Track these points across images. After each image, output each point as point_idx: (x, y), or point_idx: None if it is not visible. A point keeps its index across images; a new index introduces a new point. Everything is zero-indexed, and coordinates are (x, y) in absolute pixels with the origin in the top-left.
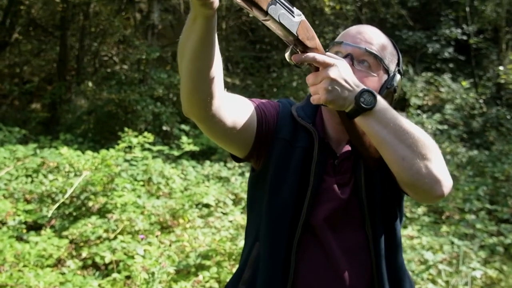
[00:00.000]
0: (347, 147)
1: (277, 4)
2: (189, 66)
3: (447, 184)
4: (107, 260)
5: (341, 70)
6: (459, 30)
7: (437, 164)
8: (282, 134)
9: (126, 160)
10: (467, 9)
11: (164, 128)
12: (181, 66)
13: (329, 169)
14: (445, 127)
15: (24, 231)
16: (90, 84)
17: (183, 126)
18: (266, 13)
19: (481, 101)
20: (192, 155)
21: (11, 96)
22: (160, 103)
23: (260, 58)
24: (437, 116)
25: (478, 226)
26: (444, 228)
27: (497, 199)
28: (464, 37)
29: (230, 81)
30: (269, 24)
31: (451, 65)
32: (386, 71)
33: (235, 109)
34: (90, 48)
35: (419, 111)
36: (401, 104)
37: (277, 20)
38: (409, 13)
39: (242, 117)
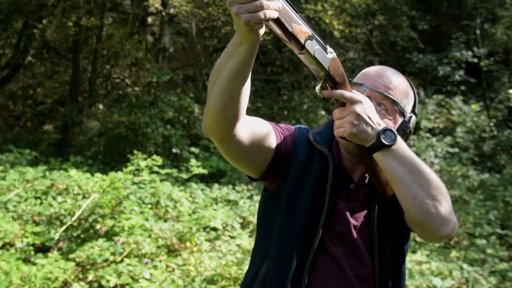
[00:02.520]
0: (366, 176)
1: (313, 40)
2: (224, 87)
3: (453, 226)
4: (112, 284)
5: (366, 107)
6: (469, 53)
7: (445, 206)
8: (298, 156)
9: (134, 183)
10: (478, 31)
11: (174, 150)
12: (213, 86)
13: (341, 193)
14: (456, 150)
15: (32, 253)
16: (101, 106)
17: (192, 149)
18: (303, 47)
19: (491, 124)
20: (201, 178)
21: (24, 118)
22: (170, 125)
23: (271, 80)
24: (448, 139)
25: (489, 251)
26: (454, 253)
27: (508, 224)
28: (475, 60)
29: None
30: (303, 57)
31: (462, 87)
32: (402, 114)
33: (253, 130)
34: (103, 70)
35: (428, 134)
36: None
37: (312, 54)
38: (420, 35)
39: (261, 138)
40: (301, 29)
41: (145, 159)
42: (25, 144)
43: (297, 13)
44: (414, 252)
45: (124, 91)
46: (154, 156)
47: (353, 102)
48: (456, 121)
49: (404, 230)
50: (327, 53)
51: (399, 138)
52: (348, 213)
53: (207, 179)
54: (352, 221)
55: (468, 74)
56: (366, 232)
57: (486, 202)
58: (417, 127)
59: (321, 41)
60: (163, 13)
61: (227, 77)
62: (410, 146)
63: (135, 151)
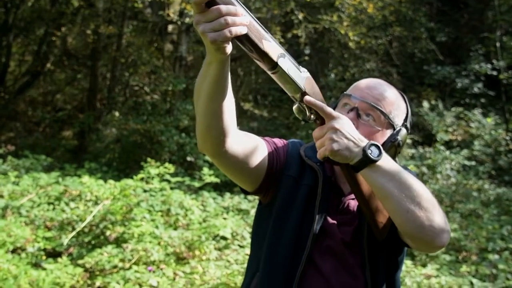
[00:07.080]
0: None
1: (286, 57)
2: (204, 107)
3: (446, 235)
4: None
5: (345, 123)
6: (489, 65)
7: (438, 216)
8: (290, 172)
9: (145, 191)
10: (498, 44)
11: (189, 158)
12: (197, 106)
13: (332, 208)
14: (473, 163)
15: (44, 257)
16: (117, 114)
17: (207, 157)
18: (275, 65)
19: (507, 137)
20: (214, 187)
21: (43, 124)
22: (185, 134)
23: None
24: (465, 151)
25: (501, 266)
26: (464, 267)
27: None
28: (494, 72)
29: (258, 112)
30: (277, 76)
31: (482, 100)
32: (391, 125)
33: (247, 147)
34: (121, 78)
35: (442, 147)
36: (429, 139)
37: (287, 72)
38: (439, 47)
39: (254, 154)
40: (273, 46)
41: (158, 167)
42: (42, 150)
43: (267, 32)
44: (424, 265)
45: (143, 98)
46: (166, 164)
47: (332, 117)
48: (475, 134)
49: (397, 243)
50: (301, 72)
51: (384, 153)
52: (337, 228)
53: (221, 188)
54: (342, 235)
55: (487, 87)
56: (357, 245)
57: (500, 216)
58: (434, 139)
59: (294, 61)
60: (179, 23)
61: (205, 97)
62: (425, 158)
63: (149, 159)
